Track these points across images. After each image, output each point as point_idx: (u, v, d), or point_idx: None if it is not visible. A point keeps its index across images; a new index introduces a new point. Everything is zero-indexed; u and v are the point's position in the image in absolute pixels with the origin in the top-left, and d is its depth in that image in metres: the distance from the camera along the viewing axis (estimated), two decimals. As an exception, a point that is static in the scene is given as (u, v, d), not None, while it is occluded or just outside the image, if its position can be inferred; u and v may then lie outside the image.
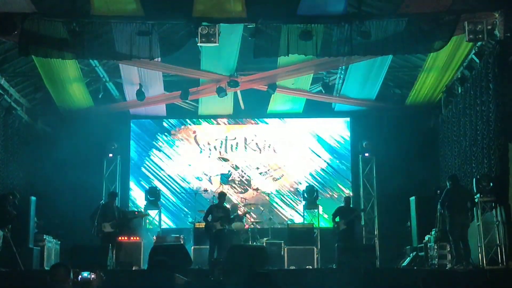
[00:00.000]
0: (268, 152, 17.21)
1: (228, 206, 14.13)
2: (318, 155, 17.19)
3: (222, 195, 13.70)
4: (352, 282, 10.02)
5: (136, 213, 15.17)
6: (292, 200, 16.92)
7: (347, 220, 13.83)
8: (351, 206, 14.40)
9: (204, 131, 17.37)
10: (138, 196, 16.77)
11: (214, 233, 13.04)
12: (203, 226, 13.61)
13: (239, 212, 14.93)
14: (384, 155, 16.18)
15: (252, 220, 15.08)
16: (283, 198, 16.96)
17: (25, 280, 10.33)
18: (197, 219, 15.23)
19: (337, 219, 14.01)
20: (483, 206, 11.90)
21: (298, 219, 16.33)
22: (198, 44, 11.91)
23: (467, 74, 13.48)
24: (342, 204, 14.51)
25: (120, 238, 13.47)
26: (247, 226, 14.71)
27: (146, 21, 11.50)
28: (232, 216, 13.73)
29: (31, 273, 11.54)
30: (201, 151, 17.25)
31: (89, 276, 6.36)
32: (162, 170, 17.15)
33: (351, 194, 16.43)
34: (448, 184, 12.04)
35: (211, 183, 16.92)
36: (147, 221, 15.59)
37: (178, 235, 14.46)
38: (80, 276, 6.37)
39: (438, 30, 11.54)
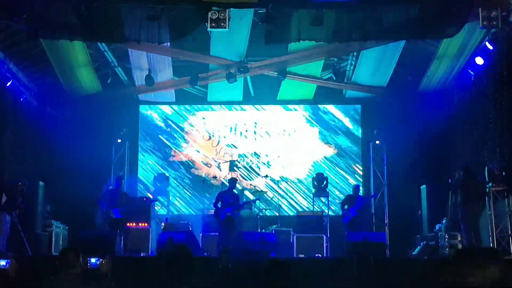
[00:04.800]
0: (277, 138, 17.08)
1: (236, 192, 14.06)
2: (328, 142, 17.05)
3: (233, 181, 13.64)
4: (361, 271, 9.93)
5: (144, 199, 15.14)
6: (302, 187, 16.81)
7: (356, 208, 13.78)
8: (360, 194, 14.35)
9: (213, 117, 17.25)
10: (146, 182, 16.71)
11: (223, 220, 12.98)
12: (212, 212, 13.55)
13: (248, 199, 14.88)
14: (395, 143, 15.96)
15: (261, 207, 14.97)
16: (292, 185, 16.86)
17: (33, 266, 10.27)
18: (205, 206, 15.17)
19: (346, 207, 14.01)
20: (495, 195, 11.78)
21: (307, 207, 16.25)
22: (208, 29, 11.76)
23: (481, 61, 13.28)
24: (351, 193, 14.48)
25: (128, 224, 13.44)
26: (256, 214, 14.64)
27: (155, 5, 11.36)
28: (241, 203, 13.67)
29: (39, 258, 11.50)
30: (210, 137, 17.16)
31: (97, 262, 6.29)
32: (171, 156, 17.06)
33: (360, 181, 16.40)
34: (461, 173, 11.90)
35: (220, 170, 16.83)
36: (156, 207, 15.53)
37: (186, 222, 14.42)
38: (88, 262, 6.31)
39: (451, 16, 11.32)
